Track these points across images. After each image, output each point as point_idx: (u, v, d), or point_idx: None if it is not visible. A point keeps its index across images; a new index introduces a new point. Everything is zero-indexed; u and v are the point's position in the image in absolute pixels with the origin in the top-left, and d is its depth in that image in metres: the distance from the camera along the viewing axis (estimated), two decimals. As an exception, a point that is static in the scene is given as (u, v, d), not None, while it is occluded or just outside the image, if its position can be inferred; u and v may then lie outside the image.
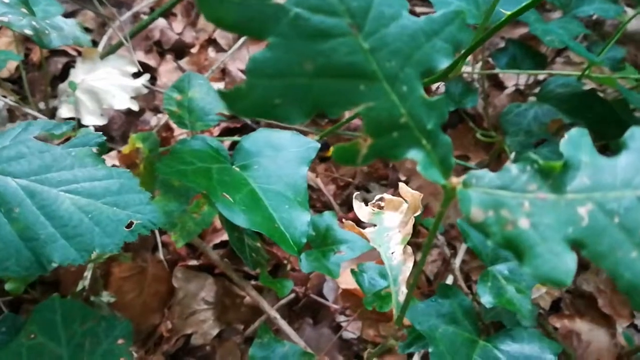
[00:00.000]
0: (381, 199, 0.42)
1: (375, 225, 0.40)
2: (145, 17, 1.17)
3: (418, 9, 1.14)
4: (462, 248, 0.82)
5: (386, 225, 0.40)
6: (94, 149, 0.42)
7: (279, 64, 0.22)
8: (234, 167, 0.57)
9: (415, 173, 0.99)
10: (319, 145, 0.59)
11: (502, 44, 0.99)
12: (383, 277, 0.71)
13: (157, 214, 0.42)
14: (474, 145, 1.02)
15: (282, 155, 0.57)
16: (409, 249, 0.36)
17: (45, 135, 0.41)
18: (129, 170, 0.46)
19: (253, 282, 0.81)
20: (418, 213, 0.39)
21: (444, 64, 0.26)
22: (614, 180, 0.23)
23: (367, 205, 0.42)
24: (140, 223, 0.41)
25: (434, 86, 1.07)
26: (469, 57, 1.10)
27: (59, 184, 0.38)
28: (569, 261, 0.21)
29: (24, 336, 0.56)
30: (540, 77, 1.05)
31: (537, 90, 1.07)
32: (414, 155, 0.24)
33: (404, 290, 0.35)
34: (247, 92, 0.22)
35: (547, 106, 0.68)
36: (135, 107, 0.95)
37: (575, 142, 0.24)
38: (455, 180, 0.25)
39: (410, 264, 0.36)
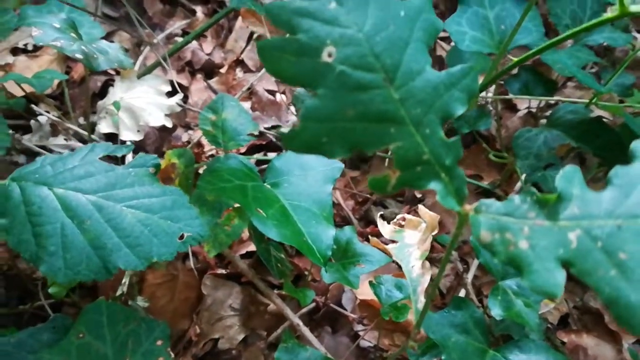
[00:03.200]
0: (402, 219, 0.47)
1: (396, 242, 0.46)
2: (177, 39, 1.25)
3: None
4: (474, 264, 0.86)
5: (407, 242, 0.45)
6: (151, 169, 0.48)
7: (326, 110, 0.28)
8: (265, 184, 0.63)
9: (429, 191, 1.04)
10: (342, 165, 0.64)
11: (514, 71, 1.04)
12: (399, 289, 0.76)
13: (205, 227, 0.48)
14: (487, 165, 1.06)
15: (310, 174, 0.63)
16: (427, 264, 0.42)
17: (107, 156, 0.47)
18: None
19: (276, 292, 0.86)
20: (435, 232, 0.44)
21: (460, 111, 0.31)
22: (599, 211, 0.28)
23: (389, 223, 0.48)
24: (190, 235, 0.47)
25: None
26: None
27: (122, 200, 0.44)
28: (559, 277, 0.26)
29: (73, 335, 0.62)
30: (553, 101, 1.09)
31: (548, 112, 1.12)
32: (434, 186, 0.30)
33: (422, 299, 0.40)
34: (300, 133, 0.27)
35: (556, 131, 0.73)
36: (169, 124, 1.02)
37: (569, 177, 0.29)
38: (468, 207, 0.30)
39: (428, 277, 0.41)
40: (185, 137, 1.10)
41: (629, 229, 0.26)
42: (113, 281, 0.91)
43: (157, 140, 1.09)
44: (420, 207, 0.45)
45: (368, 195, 1.02)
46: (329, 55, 0.28)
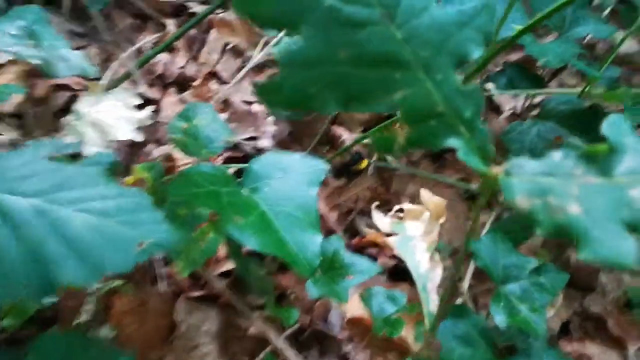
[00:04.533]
0: (400, 210, 0.42)
1: (396, 235, 0.40)
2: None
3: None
4: (470, 270, 0.80)
5: (409, 234, 0.39)
6: (106, 168, 0.42)
7: (313, 53, 0.22)
8: (243, 190, 0.57)
9: (416, 198, 0.99)
10: (327, 167, 0.59)
11: (497, 68, 1.01)
12: (392, 302, 0.70)
13: (170, 233, 0.41)
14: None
15: (292, 177, 0.57)
16: (437, 256, 0.36)
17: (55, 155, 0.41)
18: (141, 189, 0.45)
19: (257, 313, 0.79)
20: (442, 220, 0.39)
21: (475, 53, 0.26)
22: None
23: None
24: (155, 242, 0.41)
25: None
26: None
27: (70, 203, 0.37)
28: (628, 243, 0.20)
29: (24, 371, 0.54)
30: (536, 101, 1.07)
31: (534, 113, 1.09)
32: (453, 143, 0.24)
33: (434, 298, 0.35)
34: (281, 84, 0.22)
35: (549, 123, 0.69)
36: (139, 138, 0.95)
37: (617, 125, 0.24)
38: (497, 168, 0.25)
39: (439, 271, 0.35)
40: (157, 153, 1.04)
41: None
42: (75, 310, 0.83)
43: (126, 157, 1.02)
44: (423, 192, 0.39)
45: (352, 205, 0.96)
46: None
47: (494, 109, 1.08)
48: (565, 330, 0.84)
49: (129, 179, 0.75)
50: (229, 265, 0.84)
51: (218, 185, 0.54)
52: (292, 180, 0.57)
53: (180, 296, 0.84)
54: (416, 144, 0.24)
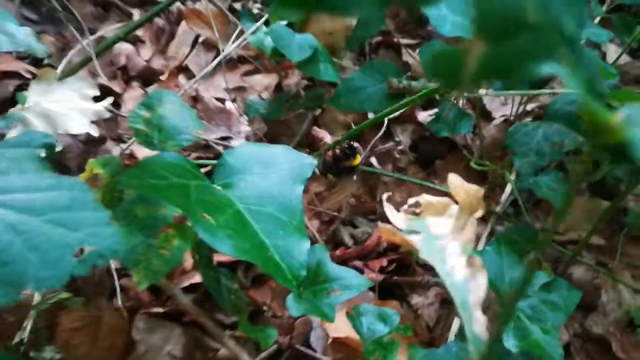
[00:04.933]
0: (416, 204, 0.33)
1: (416, 234, 0.31)
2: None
3: (403, 41, 1.11)
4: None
5: (434, 233, 0.31)
6: (39, 152, 0.32)
7: None
8: (214, 185, 0.48)
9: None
10: (315, 161, 0.50)
11: None
12: (384, 321, 0.61)
13: (119, 239, 0.32)
14: (465, 176, 0.95)
15: (273, 172, 0.48)
16: (477, 260, 0.27)
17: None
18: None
19: (229, 332, 0.69)
20: (479, 214, 0.30)
21: None
22: None
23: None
24: (95, 250, 0.31)
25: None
26: None
27: (-17, 191, 0.28)
28: None
29: None
30: (529, 107, 1.02)
31: (527, 120, 1.04)
32: (552, 69, 0.16)
33: (479, 317, 0.26)
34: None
35: (555, 125, 0.63)
36: (94, 132, 0.84)
37: None
38: (617, 116, 0.17)
39: (482, 281, 0.26)
40: (116, 151, 0.93)
41: None
42: (14, 327, 0.71)
43: (81, 154, 0.91)
44: (452, 177, 0.31)
45: (335, 214, 0.88)
46: None
47: (485, 115, 1.02)
48: (566, 353, 0.77)
49: (82, 175, 0.64)
50: (197, 278, 0.74)
51: (185, 177, 0.45)
52: (273, 175, 0.48)
53: (139, 312, 0.73)
54: (494, 71, 0.16)
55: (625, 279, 0.90)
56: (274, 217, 0.45)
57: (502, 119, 1.01)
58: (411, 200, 0.36)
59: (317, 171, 0.86)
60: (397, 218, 0.32)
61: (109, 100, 0.89)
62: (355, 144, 0.83)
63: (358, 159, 0.81)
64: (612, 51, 1.17)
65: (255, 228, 0.43)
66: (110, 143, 0.95)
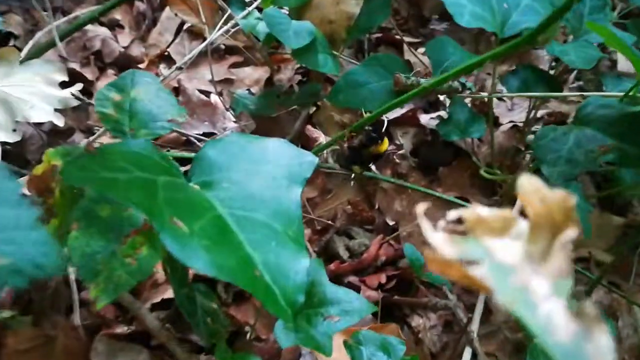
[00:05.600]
0: (459, 220, 0.24)
1: (475, 262, 0.22)
2: (88, 28, 0.99)
3: (406, 38, 1.03)
4: (478, 310, 0.64)
5: (501, 260, 0.21)
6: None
7: None
8: (191, 184, 0.38)
9: (404, 217, 0.83)
10: (316, 159, 0.41)
11: (511, 66, 0.88)
12: (387, 353, 0.52)
13: (47, 248, 0.22)
14: (470, 186, 0.87)
15: (266, 170, 0.39)
16: (590, 308, 0.18)
17: None
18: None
19: (204, 356, 0.59)
20: (571, 234, 0.21)
21: None
22: None
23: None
24: (11, 264, 0.21)
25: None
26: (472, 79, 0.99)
27: None
28: None
29: None
30: (539, 114, 0.94)
31: (536, 127, 0.96)
32: None
33: None
34: None
35: (589, 130, 0.55)
36: (59, 122, 0.74)
37: None
38: None
39: (604, 342, 0.17)
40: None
41: None
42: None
43: (43, 147, 0.80)
44: (524, 179, 0.22)
45: (329, 222, 0.79)
46: None
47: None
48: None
49: (38, 167, 0.54)
50: (171, 292, 0.64)
51: (152, 171, 0.35)
52: (265, 174, 0.39)
53: (100, 332, 0.63)
54: None
55: (640, 303, 0.83)
56: (265, 224, 0.36)
57: (511, 124, 0.94)
58: (451, 214, 0.26)
59: (335, 166, 0.74)
60: (437, 239, 0.22)
61: (78, 86, 0.79)
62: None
63: (386, 143, 0.67)
64: (622, 59, 1.11)
65: (240, 238, 0.34)
66: (79, 135, 0.84)
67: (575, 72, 1.02)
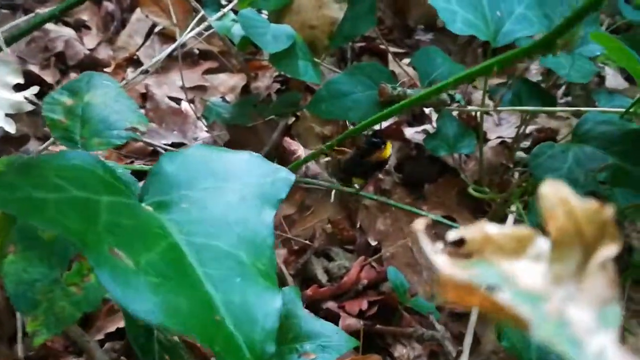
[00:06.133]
0: (461, 241, 0.19)
1: (493, 289, 0.17)
2: (50, 27, 0.92)
3: (391, 48, 0.98)
4: (467, 342, 0.59)
5: (526, 286, 0.16)
6: None
7: None
8: (143, 205, 0.32)
9: (387, 237, 0.77)
10: (293, 176, 0.36)
11: (503, 78, 0.85)
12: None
13: None
14: (457, 204, 0.83)
15: (233, 188, 0.34)
16: None
17: None
18: None
19: (163, 395, 0.53)
20: (613, 252, 0.16)
21: None
22: None
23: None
24: None
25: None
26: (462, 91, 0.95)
27: None
28: None
29: None
30: (528, 130, 0.91)
31: (525, 143, 0.93)
32: None
33: None
34: None
35: (589, 148, 0.51)
36: (11, 128, 0.67)
37: None
38: None
39: None
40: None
41: None
42: None
43: (-8, 155, 0.72)
44: (548, 187, 0.17)
45: (307, 242, 0.73)
46: None
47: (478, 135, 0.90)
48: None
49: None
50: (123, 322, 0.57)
51: (93, 190, 0.29)
52: (232, 193, 0.33)
53: (46, 364, 0.56)
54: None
55: (633, 329, 0.79)
56: (230, 255, 0.30)
57: (499, 140, 0.90)
58: (452, 234, 0.21)
59: (330, 178, 0.64)
60: (443, 262, 0.17)
61: (33, 90, 0.72)
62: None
63: (390, 147, 0.60)
64: (611, 75, 1.09)
65: (198, 273, 0.28)
66: (34, 143, 0.77)
67: (563, 87, 0.99)
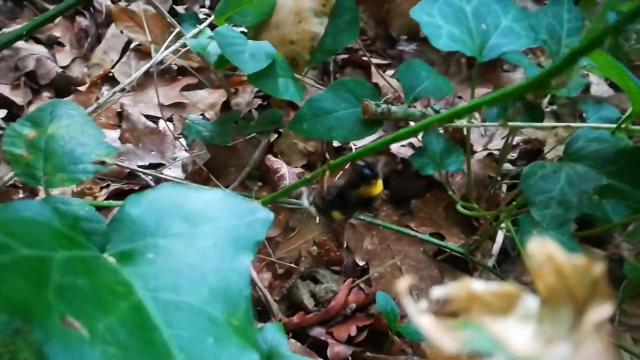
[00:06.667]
0: (444, 302, 0.17)
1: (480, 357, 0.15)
2: (21, 46, 0.88)
3: (374, 60, 0.97)
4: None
5: (520, 353, 0.15)
6: None
7: None
8: (105, 255, 0.29)
9: (375, 256, 0.75)
10: (272, 215, 0.33)
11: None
12: None
13: None
14: (445, 220, 0.81)
15: (205, 233, 0.31)
16: None
17: None
18: None
19: None
20: (607, 312, 0.14)
21: None
22: None
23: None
24: None
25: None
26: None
27: None
28: None
29: None
30: (515, 141, 0.89)
31: (512, 155, 0.91)
32: None
33: None
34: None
35: (581, 167, 0.49)
36: (-25, 155, 0.63)
37: None
38: None
39: None
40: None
41: None
42: None
43: (-43, 183, 0.69)
44: (535, 244, 0.15)
45: (292, 265, 0.70)
46: None
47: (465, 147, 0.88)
48: None
49: None
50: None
51: (46, 245, 0.26)
52: (204, 239, 0.31)
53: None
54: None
55: (626, 344, 0.78)
56: (201, 312, 0.27)
57: (486, 152, 0.88)
58: (436, 292, 0.19)
59: (310, 209, 0.55)
60: (428, 326, 0.15)
61: (1, 113, 0.69)
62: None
63: (380, 185, 0.53)
64: (595, 82, 1.09)
65: (164, 337, 0.25)
66: (4, 168, 0.73)
67: (548, 96, 0.98)
